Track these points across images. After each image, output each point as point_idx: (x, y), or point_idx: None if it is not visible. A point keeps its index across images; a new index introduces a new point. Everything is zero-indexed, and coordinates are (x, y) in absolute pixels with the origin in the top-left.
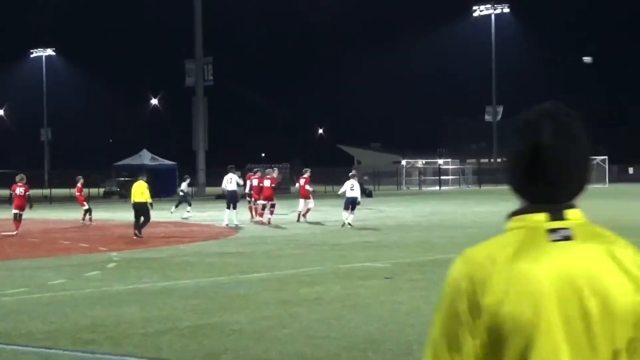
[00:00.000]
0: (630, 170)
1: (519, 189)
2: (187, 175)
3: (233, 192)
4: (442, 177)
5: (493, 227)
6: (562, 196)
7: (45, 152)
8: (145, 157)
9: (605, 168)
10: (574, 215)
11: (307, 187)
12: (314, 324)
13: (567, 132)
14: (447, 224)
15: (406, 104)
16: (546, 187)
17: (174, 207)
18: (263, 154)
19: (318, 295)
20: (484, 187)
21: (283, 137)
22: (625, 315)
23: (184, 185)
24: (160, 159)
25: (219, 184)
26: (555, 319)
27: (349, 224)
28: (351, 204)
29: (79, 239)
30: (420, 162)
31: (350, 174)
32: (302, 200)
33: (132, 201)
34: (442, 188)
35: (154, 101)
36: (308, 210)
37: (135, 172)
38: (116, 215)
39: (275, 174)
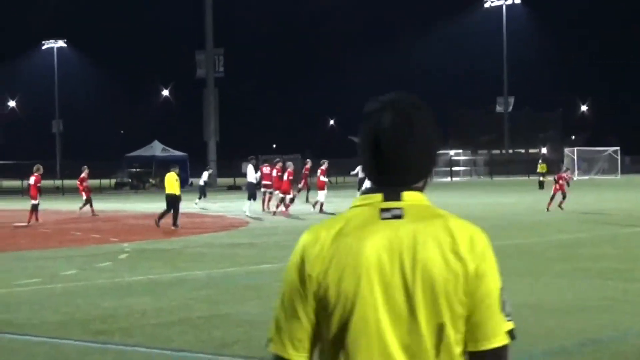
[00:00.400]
0: None
1: (367, 172)
2: (209, 166)
3: (251, 184)
4: (453, 169)
5: (504, 218)
6: (400, 180)
7: (57, 143)
8: (157, 149)
9: (617, 159)
10: (410, 197)
11: (322, 177)
12: None
13: (406, 120)
14: (458, 215)
15: (418, 95)
16: (386, 171)
17: (197, 199)
18: (274, 145)
19: None
20: (496, 178)
21: (294, 128)
22: (446, 287)
23: (205, 175)
24: (171, 150)
25: (231, 175)
26: (376, 291)
27: None
28: None
29: (91, 230)
30: None
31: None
32: (320, 192)
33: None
34: (453, 179)
35: (165, 92)
36: (317, 202)
37: (146, 163)
38: (127, 206)
39: (291, 167)
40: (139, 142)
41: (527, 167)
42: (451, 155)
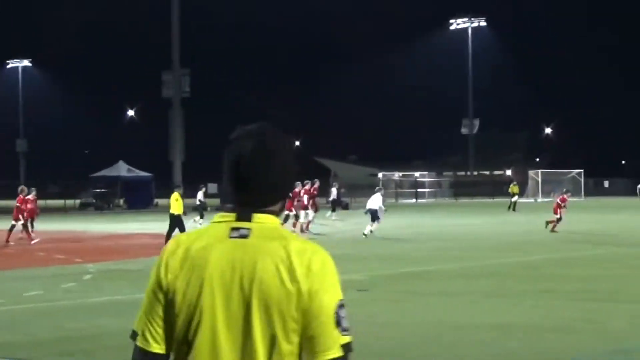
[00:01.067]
0: (606, 183)
1: (228, 193)
2: (202, 185)
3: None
4: (418, 190)
5: (469, 240)
6: (256, 202)
7: (21, 163)
8: (122, 169)
9: (580, 181)
10: (259, 219)
11: (305, 198)
12: None
13: (264, 149)
14: (424, 237)
15: (383, 117)
16: (243, 194)
17: (198, 218)
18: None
19: None
20: (461, 200)
21: None
22: (279, 304)
23: (200, 195)
24: (136, 170)
25: (196, 195)
26: (217, 301)
27: (364, 234)
28: (372, 215)
29: (55, 251)
30: (396, 175)
31: (377, 188)
32: (302, 212)
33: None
34: (418, 200)
35: (131, 112)
36: (296, 223)
37: (111, 184)
38: (92, 227)
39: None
40: (104, 162)
41: (492, 189)
42: (416, 177)
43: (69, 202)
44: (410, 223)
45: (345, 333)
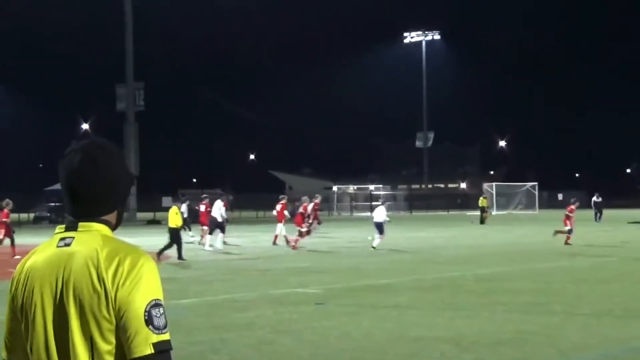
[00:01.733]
0: (560, 196)
1: (65, 206)
2: (184, 197)
3: (212, 218)
4: (373, 203)
5: (424, 252)
6: (85, 212)
7: None
8: None
9: (535, 194)
10: (83, 227)
11: (285, 212)
12: (244, 349)
13: (92, 163)
14: (379, 250)
15: (337, 130)
16: (73, 205)
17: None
18: (195, 180)
19: (249, 320)
20: (415, 213)
21: (214, 162)
22: (91, 305)
23: (184, 207)
24: None
25: (151, 209)
26: (46, 308)
27: (373, 247)
28: (377, 228)
29: (9, 264)
30: (351, 188)
31: (381, 200)
32: (279, 225)
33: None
34: (373, 213)
35: (85, 126)
36: (276, 236)
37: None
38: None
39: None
40: (58, 175)
41: (446, 201)
42: (371, 190)
43: (23, 215)
44: (365, 236)
45: (158, 332)
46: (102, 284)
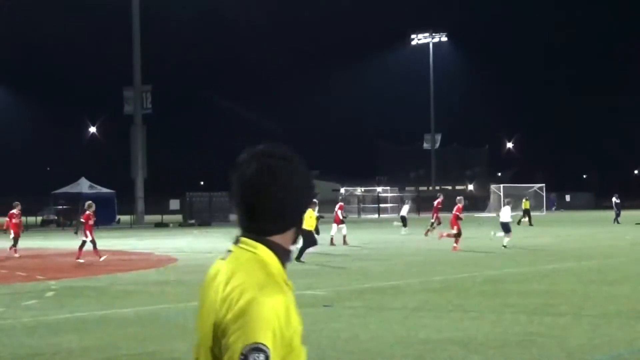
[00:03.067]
0: (567, 197)
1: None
2: None
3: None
4: (381, 205)
5: (431, 254)
6: (250, 228)
7: None
8: (84, 186)
9: (542, 196)
10: (245, 245)
11: (338, 213)
12: None
13: (269, 174)
14: (386, 252)
15: (345, 132)
16: (241, 217)
17: None
18: (202, 182)
19: None
20: (423, 215)
21: (221, 165)
22: (215, 329)
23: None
24: (98, 187)
25: (158, 211)
26: (198, 316)
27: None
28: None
29: (17, 268)
30: (359, 190)
31: (406, 200)
32: (334, 225)
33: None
34: (381, 216)
35: (93, 129)
36: (332, 237)
37: (73, 201)
38: (54, 244)
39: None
40: (66, 179)
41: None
42: (379, 192)
43: (31, 219)
44: (373, 238)
45: None
46: (218, 313)
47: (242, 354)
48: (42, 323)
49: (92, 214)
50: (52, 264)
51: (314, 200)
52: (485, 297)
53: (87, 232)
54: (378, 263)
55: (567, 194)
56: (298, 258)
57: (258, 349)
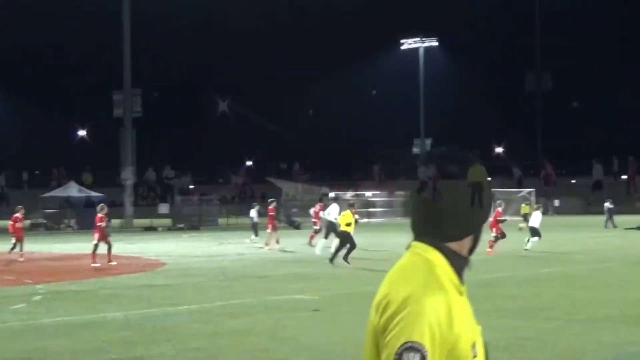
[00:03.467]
0: (557, 202)
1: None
2: (255, 203)
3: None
4: (370, 210)
5: None
6: (422, 232)
7: None
8: (73, 189)
9: (532, 201)
10: (416, 249)
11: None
12: (241, 356)
13: (447, 177)
14: (376, 256)
15: (334, 136)
16: (413, 221)
17: (253, 236)
18: (192, 186)
19: (246, 327)
20: None
21: (212, 168)
22: (376, 331)
23: (253, 213)
24: (87, 190)
25: (148, 215)
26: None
27: None
28: (533, 231)
29: (4, 271)
30: (348, 194)
31: (536, 205)
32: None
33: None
34: (371, 220)
35: (82, 132)
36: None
37: (62, 204)
38: (42, 248)
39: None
40: (54, 182)
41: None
42: (368, 197)
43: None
44: (362, 243)
45: None
46: (376, 313)
47: (396, 353)
48: (30, 327)
49: (104, 216)
50: (41, 267)
51: (352, 202)
52: (476, 301)
53: (96, 235)
54: (367, 267)
55: (556, 199)
56: (345, 258)
57: (413, 348)
